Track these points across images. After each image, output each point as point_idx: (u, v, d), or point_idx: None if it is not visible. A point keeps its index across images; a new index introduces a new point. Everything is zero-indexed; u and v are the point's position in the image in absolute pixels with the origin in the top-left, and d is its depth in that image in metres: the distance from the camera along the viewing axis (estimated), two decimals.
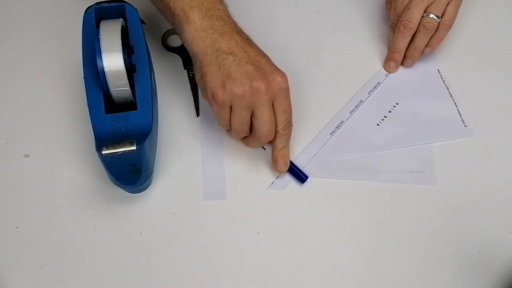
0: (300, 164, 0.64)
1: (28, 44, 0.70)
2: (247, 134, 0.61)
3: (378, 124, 0.67)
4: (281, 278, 0.59)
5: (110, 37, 0.56)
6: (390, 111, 0.68)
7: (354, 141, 0.66)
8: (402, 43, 0.68)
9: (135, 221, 0.61)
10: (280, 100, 0.58)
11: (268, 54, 0.60)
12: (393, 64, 0.70)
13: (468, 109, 0.68)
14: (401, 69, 0.70)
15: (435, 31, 0.66)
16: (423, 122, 0.67)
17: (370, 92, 0.69)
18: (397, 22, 0.67)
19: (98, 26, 0.57)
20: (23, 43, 0.71)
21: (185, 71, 0.70)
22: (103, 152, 0.56)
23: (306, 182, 0.63)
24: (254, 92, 0.56)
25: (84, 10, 0.61)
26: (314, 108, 0.68)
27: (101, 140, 0.57)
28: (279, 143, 0.61)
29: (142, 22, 0.62)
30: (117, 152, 0.56)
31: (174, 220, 0.62)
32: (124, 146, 0.57)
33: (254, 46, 0.59)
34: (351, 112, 0.68)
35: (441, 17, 0.65)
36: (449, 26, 0.66)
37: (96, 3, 0.61)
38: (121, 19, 0.59)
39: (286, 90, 0.58)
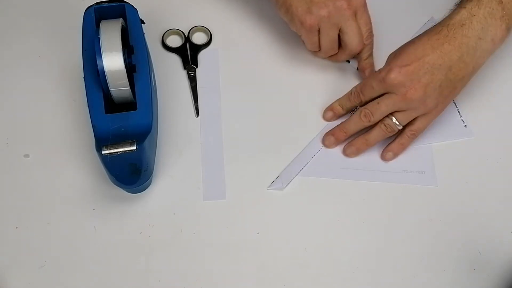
0: (300, 163, 0.64)
1: (28, 44, 0.70)
2: (336, 52, 0.66)
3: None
4: (281, 278, 0.59)
5: (110, 37, 0.56)
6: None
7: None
8: (354, 127, 0.64)
9: (135, 221, 0.61)
10: (361, 14, 0.64)
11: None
12: (333, 140, 0.65)
13: (468, 109, 0.68)
14: None
15: (400, 136, 0.63)
16: None
17: None
18: (357, 98, 0.63)
19: (98, 26, 0.57)
20: (23, 43, 0.71)
21: (185, 71, 0.70)
22: (103, 152, 0.56)
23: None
24: (338, 10, 0.61)
25: (84, 10, 0.61)
26: (315, 107, 0.68)
27: (101, 140, 0.57)
28: (365, 52, 0.67)
29: (142, 22, 0.62)
30: (117, 152, 0.56)
31: (174, 220, 0.62)
32: (124, 146, 0.57)
33: None
34: (351, 112, 0.67)
35: (407, 126, 0.62)
36: (415, 136, 0.63)
37: (96, 3, 0.61)
38: (121, 19, 0.59)
39: (365, 4, 0.64)
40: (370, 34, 0.66)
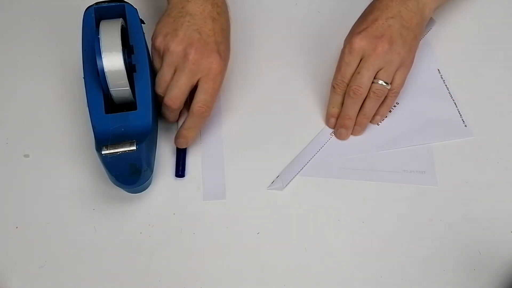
0: (300, 163, 0.64)
1: (28, 44, 0.71)
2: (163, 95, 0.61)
3: (378, 124, 0.67)
4: (281, 278, 0.59)
5: (110, 37, 0.56)
6: (390, 111, 0.68)
7: (354, 141, 0.66)
8: (353, 110, 0.64)
9: (135, 221, 0.61)
10: (206, 80, 0.59)
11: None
12: (344, 131, 0.65)
13: (468, 109, 0.68)
14: None
15: (385, 99, 0.64)
16: (423, 122, 0.67)
17: None
18: (341, 83, 0.64)
19: (98, 26, 0.57)
20: (23, 43, 0.71)
21: None
22: (103, 152, 0.56)
23: (182, 178, 0.63)
24: (183, 55, 0.59)
25: (84, 10, 0.61)
26: (315, 107, 0.68)
27: (101, 140, 0.57)
28: (189, 122, 0.61)
29: (142, 22, 0.62)
30: (117, 152, 0.56)
31: (174, 220, 0.62)
32: (124, 146, 0.57)
33: (217, 23, 0.61)
34: None
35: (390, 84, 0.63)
36: (397, 94, 0.64)
37: (96, 3, 0.61)
38: (121, 19, 0.59)
39: (216, 74, 0.59)
40: (205, 107, 0.60)
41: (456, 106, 0.68)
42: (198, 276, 0.59)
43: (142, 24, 0.62)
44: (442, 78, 0.70)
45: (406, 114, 0.68)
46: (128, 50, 0.59)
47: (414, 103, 0.68)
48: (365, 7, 0.66)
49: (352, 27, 0.65)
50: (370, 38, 0.61)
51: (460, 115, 0.67)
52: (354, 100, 0.63)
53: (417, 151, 0.65)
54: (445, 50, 0.72)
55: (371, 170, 0.64)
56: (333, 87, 0.65)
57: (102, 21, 0.58)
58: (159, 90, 0.61)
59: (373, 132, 0.67)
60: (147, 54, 0.62)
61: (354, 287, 0.59)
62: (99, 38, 0.56)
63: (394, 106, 0.68)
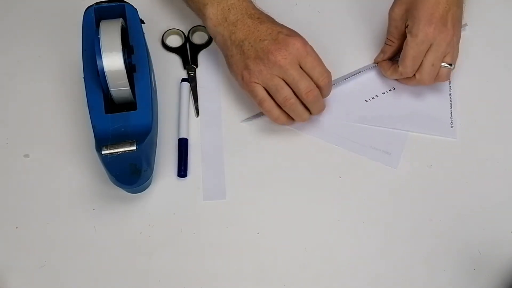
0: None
1: (28, 44, 0.70)
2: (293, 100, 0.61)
3: (366, 100, 0.69)
4: (281, 278, 0.59)
5: (110, 37, 0.56)
6: (383, 93, 0.69)
7: (338, 107, 0.68)
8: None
9: (135, 221, 0.61)
10: (304, 60, 0.60)
11: None
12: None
13: (469, 108, 0.68)
14: None
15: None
16: (412, 111, 0.68)
17: (371, 67, 0.70)
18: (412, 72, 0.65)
19: (98, 26, 0.57)
20: (23, 43, 0.71)
21: (185, 71, 0.70)
22: (103, 152, 0.56)
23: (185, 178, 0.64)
24: (272, 64, 0.59)
25: (84, 10, 0.61)
26: None
27: (101, 140, 0.57)
28: (325, 94, 0.63)
29: (142, 22, 0.62)
30: (117, 152, 0.56)
31: (174, 220, 0.62)
32: (124, 146, 0.57)
33: (265, 23, 0.62)
34: (347, 78, 0.69)
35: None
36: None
37: (96, 3, 0.61)
38: (121, 19, 0.59)
39: (304, 49, 0.60)
40: (324, 76, 0.61)
41: (451, 107, 0.68)
42: (198, 276, 0.59)
43: (142, 24, 0.62)
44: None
45: (398, 100, 0.69)
46: (128, 50, 0.59)
47: (410, 93, 0.69)
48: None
49: (413, 9, 0.63)
50: (439, 27, 0.62)
51: (451, 116, 0.68)
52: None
53: (393, 134, 0.67)
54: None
55: (343, 137, 0.66)
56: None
57: (102, 21, 0.58)
58: (288, 103, 0.61)
59: (358, 105, 0.68)
60: (147, 54, 0.62)
61: (354, 287, 0.59)
62: (99, 38, 0.56)
63: (390, 89, 0.70)
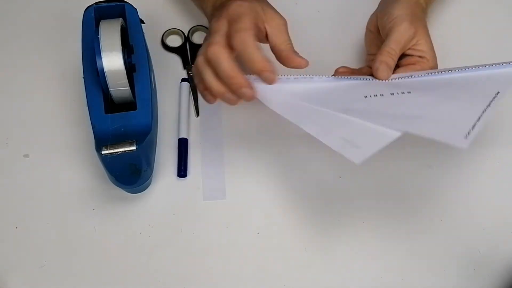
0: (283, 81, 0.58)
1: (28, 44, 0.70)
2: None
3: (366, 97, 0.57)
4: (281, 278, 0.59)
5: (110, 37, 0.56)
6: (392, 94, 0.57)
7: (333, 96, 0.58)
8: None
9: (135, 221, 0.61)
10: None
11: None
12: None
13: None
14: None
15: None
16: (422, 113, 0.56)
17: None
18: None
19: (97, 26, 0.57)
20: (23, 43, 0.71)
21: (185, 70, 0.70)
22: (103, 152, 0.56)
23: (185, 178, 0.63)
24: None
25: (84, 10, 0.61)
26: None
27: (101, 140, 0.57)
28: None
29: (142, 21, 0.62)
30: (117, 152, 0.56)
31: (174, 220, 0.62)
32: (124, 146, 0.57)
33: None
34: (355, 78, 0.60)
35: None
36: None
37: (96, 3, 0.61)
38: (120, 19, 0.59)
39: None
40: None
41: (479, 119, 0.54)
42: (198, 276, 0.59)
43: (142, 24, 0.62)
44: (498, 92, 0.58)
45: (406, 107, 0.57)
46: (128, 50, 0.59)
47: (428, 102, 0.57)
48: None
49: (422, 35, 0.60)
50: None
51: (473, 127, 0.53)
52: None
53: (379, 132, 0.53)
54: None
55: (320, 125, 0.55)
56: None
57: (102, 21, 0.58)
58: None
59: (355, 98, 0.58)
60: (146, 54, 0.62)
61: (354, 287, 0.59)
62: (98, 38, 0.56)
63: (403, 92, 0.58)
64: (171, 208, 0.62)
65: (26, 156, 0.64)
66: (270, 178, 0.64)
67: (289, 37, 0.58)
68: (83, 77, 0.59)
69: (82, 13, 0.61)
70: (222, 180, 0.64)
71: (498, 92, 0.57)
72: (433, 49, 0.60)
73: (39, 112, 0.66)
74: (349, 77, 0.61)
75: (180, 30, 0.72)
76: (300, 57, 0.57)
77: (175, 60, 0.70)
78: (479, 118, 0.55)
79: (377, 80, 0.60)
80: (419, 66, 0.59)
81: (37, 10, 0.73)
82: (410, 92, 0.58)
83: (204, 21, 0.72)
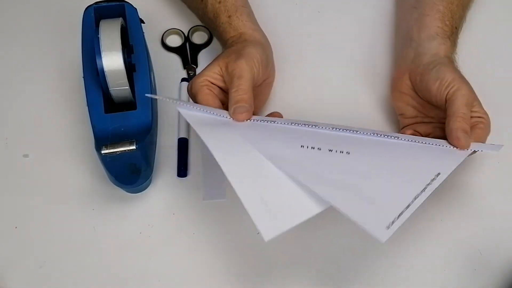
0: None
1: (28, 43, 0.70)
2: None
3: (302, 146, 0.53)
4: (281, 278, 0.59)
5: (110, 37, 0.56)
6: (330, 150, 0.53)
7: (270, 137, 0.55)
8: None
9: (135, 221, 0.61)
10: None
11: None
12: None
13: None
14: None
15: None
16: (344, 189, 0.50)
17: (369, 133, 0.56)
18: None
19: (97, 26, 0.57)
20: (22, 42, 0.71)
21: (185, 70, 0.70)
22: (102, 152, 0.56)
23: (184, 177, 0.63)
24: None
25: (84, 10, 0.61)
26: (316, 105, 0.68)
27: (101, 140, 0.57)
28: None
29: (142, 21, 0.62)
30: (117, 151, 0.56)
31: (174, 220, 0.61)
32: (123, 146, 0.57)
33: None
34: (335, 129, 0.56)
35: None
36: None
37: (96, 2, 0.61)
38: (120, 19, 0.59)
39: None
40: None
41: (408, 207, 0.52)
42: (198, 276, 0.59)
43: (142, 24, 0.62)
44: None
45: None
46: (128, 49, 0.59)
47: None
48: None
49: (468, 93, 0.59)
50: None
51: (399, 215, 0.52)
52: None
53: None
54: None
55: (245, 178, 0.50)
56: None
57: (101, 20, 0.58)
58: None
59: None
60: (146, 54, 0.62)
61: (354, 287, 0.59)
62: (98, 37, 0.56)
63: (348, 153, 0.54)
64: (171, 208, 0.62)
65: (25, 156, 0.64)
66: None
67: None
68: (83, 77, 0.59)
69: (82, 13, 0.61)
70: (222, 180, 0.63)
71: (439, 174, 0.53)
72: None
73: (38, 112, 0.66)
74: (302, 123, 0.56)
75: (180, 30, 0.72)
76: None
77: (175, 60, 0.70)
78: (408, 205, 0.51)
79: (324, 130, 0.55)
80: (483, 125, 0.59)
81: (37, 10, 0.73)
82: (348, 153, 0.53)
83: None
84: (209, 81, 0.58)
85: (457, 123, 0.56)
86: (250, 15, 0.66)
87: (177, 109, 0.55)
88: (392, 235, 0.57)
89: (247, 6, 0.66)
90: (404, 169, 0.54)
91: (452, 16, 0.64)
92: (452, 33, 0.64)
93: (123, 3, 0.61)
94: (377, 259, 0.60)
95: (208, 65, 0.59)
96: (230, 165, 0.49)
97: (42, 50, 0.70)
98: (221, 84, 0.58)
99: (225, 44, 0.63)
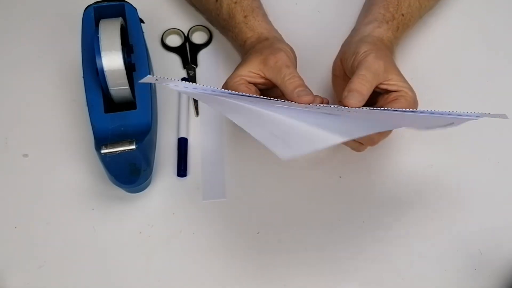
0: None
1: (27, 43, 0.70)
2: None
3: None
4: (281, 278, 0.59)
5: (110, 36, 0.56)
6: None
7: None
8: None
9: (135, 221, 0.61)
10: None
11: None
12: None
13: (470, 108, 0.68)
14: None
15: None
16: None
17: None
18: None
19: (97, 25, 0.57)
20: (23, 42, 0.71)
21: (185, 70, 0.70)
22: (102, 152, 0.56)
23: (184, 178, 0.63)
24: None
25: (84, 10, 0.61)
26: None
27: (101, 140, 0.57)
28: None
29: (142, 21, 0.62)
30: (117, 151, 0.56)
31: (174, 220, 0.61)
32: (123, 145, 0.56)
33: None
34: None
35: None
36: None
37: (96, 2, 0.61)
38: (120, 18, 0.59)
39: None
40: None
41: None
42: (198, 276, 0.59)
43: (142, 24, 0.62)
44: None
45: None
46: (127, 49, 0.59)
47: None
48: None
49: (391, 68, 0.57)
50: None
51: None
52: None
53: (322, 137, 0.50)
54: None
55: (256, 126, 0.53)
56: None
57: (101, 20, 0.58)
58: None
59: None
60: (146, 53, 0.62)
61: (354, 287, 0.59)
62: (98, 37, 0.56)
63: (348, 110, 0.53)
64: (170, 208, 0.62)
65: (25, 156, 0.64)
66: (270, 178, 0.64)
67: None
68: (83, 77, 0.59)
69: (82, 13, 0.61)
70: (222, 180, 0.64)
71: (453, 123, 0.52)
72: (407, 81, 0.56)
73: (38, 112, 0.66)
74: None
75: (180, 30, 0.72)
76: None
77: (175, 60, 0.70)
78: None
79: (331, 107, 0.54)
80: (403, 99, 0.55)
81: (37, 10, 0.72)
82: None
83: (203, 21, 0.73)
84: (245, 80, 0.57)
85: (349, 84, 0.53)
86: (265, 16, 0.66)
87: (173, 89, 0.53)
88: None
89: (262, 7, 0.66)
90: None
91: (399, 4, 0.64)
92: (394, 19, 0.63)
93: (123, 3, 0.61)
94: (377, 259, 0.60)
95: (239, 66, 0.58)
96: (238, 118, 0.52)
97: (42, 50, 0.70)
98: (259, 81, 0.57)
99: (243, 44, 0.63)
